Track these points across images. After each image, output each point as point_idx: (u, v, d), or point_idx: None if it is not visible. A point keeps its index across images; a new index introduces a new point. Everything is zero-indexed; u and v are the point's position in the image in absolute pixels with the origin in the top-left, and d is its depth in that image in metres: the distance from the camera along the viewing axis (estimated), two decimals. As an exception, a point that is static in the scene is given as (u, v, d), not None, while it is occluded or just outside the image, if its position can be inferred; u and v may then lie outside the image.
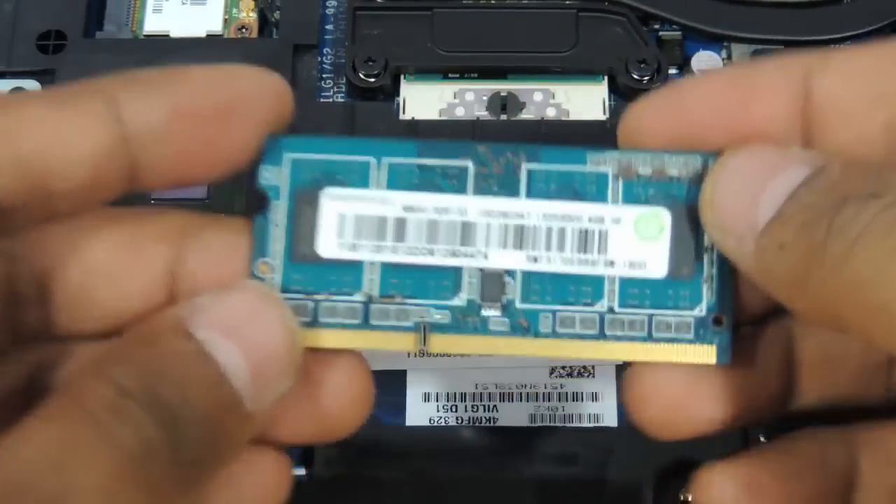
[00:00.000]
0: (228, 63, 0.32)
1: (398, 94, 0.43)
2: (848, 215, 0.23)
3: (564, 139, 0.41)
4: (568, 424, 0.38)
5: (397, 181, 0.28)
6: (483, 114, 0.43)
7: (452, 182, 0.28)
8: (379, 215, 0.27)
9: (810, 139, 0.26)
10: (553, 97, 0.43)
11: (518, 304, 0.28)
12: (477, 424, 0.37)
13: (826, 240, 0.23)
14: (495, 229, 0.28)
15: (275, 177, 0.28)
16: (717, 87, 0.27)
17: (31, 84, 0.43)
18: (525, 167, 0.28)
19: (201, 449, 0.23)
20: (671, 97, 0.27)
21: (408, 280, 0.28)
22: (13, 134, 0.24)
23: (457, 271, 0.28)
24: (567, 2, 0.44)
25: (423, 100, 0.43)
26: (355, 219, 0.28)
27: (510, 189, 0.28)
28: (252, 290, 0.26)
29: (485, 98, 0.43)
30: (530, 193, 0.28)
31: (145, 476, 0.22)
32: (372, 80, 0.43)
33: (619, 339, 0.28)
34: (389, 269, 0.28)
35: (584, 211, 0.27)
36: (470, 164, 0.28)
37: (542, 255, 0.28)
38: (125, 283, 0.27)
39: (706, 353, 0.27)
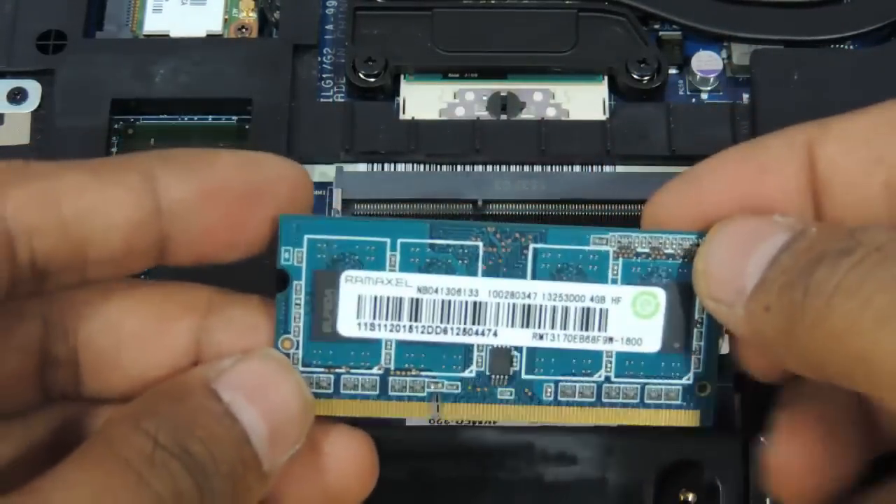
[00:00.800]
0: (230, 66, 0.38)
1: (398, 94, 0.43)
2: (823, 274, 0.24)
3: (564, 139, 0.41)
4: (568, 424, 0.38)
5: (411, 261, 0.29)
6: (483, 114, 0.43)
7: (463, 261, 0.29)
8: (395, 296, 0.29)
9: (819, 205, 0.28)
10: (553, 97, 0.43)
11: (523, 376, 0.30)
12: (477, 424, 0.37)
13: (805, 299, 0.25)
14: (504, 309, 0.29)
15: (294, 257, 0.29)
16: (729, 168, 0.29)
17: (31, 84, 0.43)
18: (532, 247, 0.29)
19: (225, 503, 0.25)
20: (687, 183, 0.29)
21: (422, 354, 0.30)
22: (58, 199, 0.26)
23: (468, 347, 0.30)
24: (567, 2, 0.44)
25: (423, 100, 0.43)
26: (373, 300, 0.29)
27: (518, 269, 0.29)
28: (272, 357, 0.28)
29: (485, 98, 0.43)
30: (536, 274, 0.29)
31: None
32: (372, 80, 0.43)
33: (614, 405, 0.30)
34: (405, 346, 0.30)
35: (586, 291, 0.30)
36: (480, 245, 0.29)
37: (546, 333, 0.30)
38: (153, 351, 0.29)
39: (691, 418, 0.30)
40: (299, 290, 0.29)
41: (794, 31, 0.43)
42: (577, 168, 0.41)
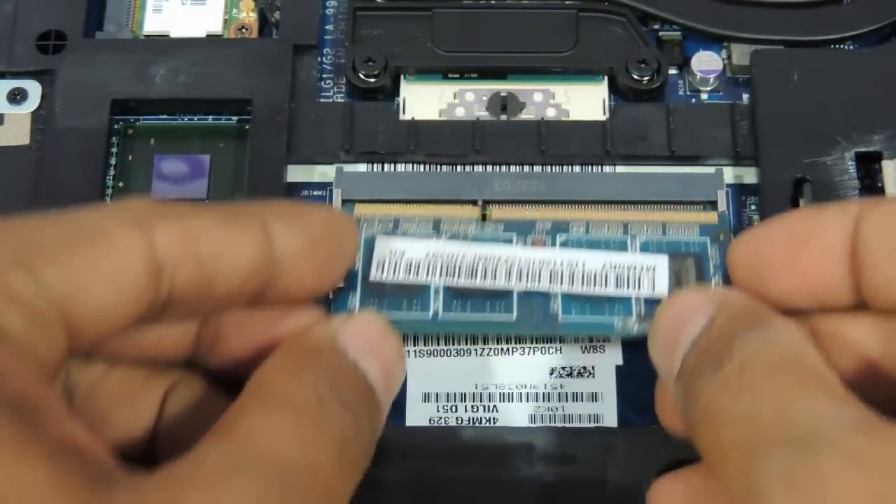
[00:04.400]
0: (230, 66, 0.39)
1: (398, 94, 0.43)
2: (695, 392, 0.28)
3: (564, 139, 0.41)
4: (568, 424, 0.38)
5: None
6: (483, 114, 0.43)
7: None
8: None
9: (858, 276, 0.30)
10: (553, 97, 0.43)
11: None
12: (477, 424, 0.37)
13: (688, 408, 0.29)
14: None
15: None
16: (784, 231, 0.31)
17: (31, 84, 0.43)
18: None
19: (372, 442, 0.30)
20: (749, 236, 0.32)
21: None
22: (198, 237, 0.29)
23: None
24: (567, 2, 0.44)
25: (423, 100, 0.43)
26: None
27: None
28: (376, 318, 0.32)
29: (485, 98, 0.43)
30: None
31: (349, 462, 0.28)
32: (372, 80, 0.43)
33: None
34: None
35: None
36: None
37: None
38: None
39: None
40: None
41: (794, 31, 0.43)
42: (577, 168, 0.41)
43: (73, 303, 0.27)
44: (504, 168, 0.41)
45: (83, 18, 0.44)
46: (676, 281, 0.35)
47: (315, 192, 0.42)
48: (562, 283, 0.36)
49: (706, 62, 0.43)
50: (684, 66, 0.44)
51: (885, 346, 0.30)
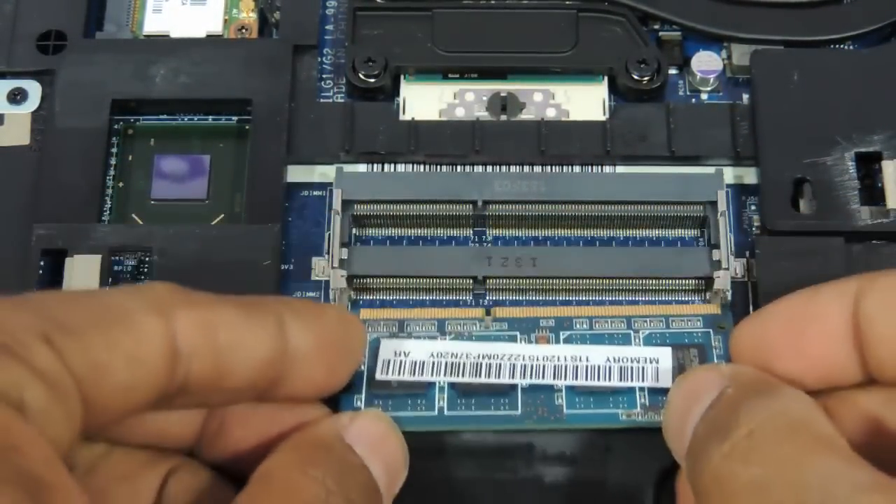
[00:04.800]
0: (230, 66, 0.39)
1: (398, 94, 0.43)
2: (704, 460, 0.28)
3: (564, 139, 0.41)
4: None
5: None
6: (483, 114, 0.43)
7: None
8: None
9: (863, 355, 0.30)
10: (553, 97, 0.43)
11: None
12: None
13: (697, 478, 0.29)
14: None
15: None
16: (785, 314, 0.31)
17: (31, 84, 0.43)
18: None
19: None
20: (755, 324, 0.32)
21: None
22: (216, 328, 0.29)
23: None
24: (567, 2, 0.44)
25: (423, 100, 0.43)
26: None
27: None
28: (383, 417, 0.33)
29: (485, 98, 0.43)
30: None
31: None
32: (372, 80, 0.43)
33: None
34: None
35: None
36: None
37: None
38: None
39: None
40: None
41: (794, 31, 0.43)
42: (577, 168, 0.41)
43: (92, 382, 0.27)
44: (504, 168, 0.41)
45: (83, 18, 0.44)
46: (680, 370, 0.35)
47: (315, 193, 0.42)
48: (566, 377, 0.36)
49: (706, 62, 0.43)
50: (684, 66, 0.44)
51: (891, 415, 0.30)
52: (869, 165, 0.40)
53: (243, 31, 0.45)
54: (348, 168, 0.41)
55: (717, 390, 0.30)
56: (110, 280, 0.39)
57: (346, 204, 0.40)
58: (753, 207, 0.41)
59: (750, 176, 0.41)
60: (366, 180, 0.41)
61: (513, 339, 0.37)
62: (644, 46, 0.43)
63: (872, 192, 0.40)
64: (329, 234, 0.40)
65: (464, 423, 0.36)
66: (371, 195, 0.40)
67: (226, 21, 0.45)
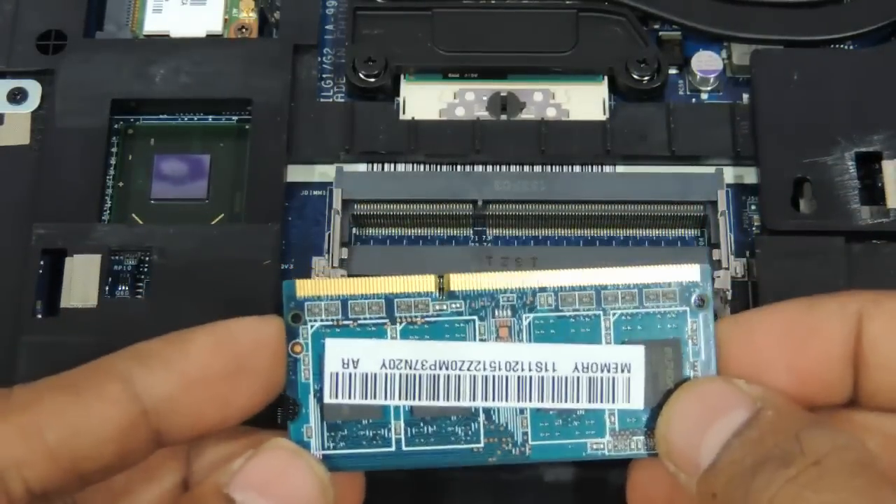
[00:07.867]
0: (230, 66, 0.37)
1: (398, 94, 0.43)
2: (761, 483, 0.27)
3: (564, 139, 0.41)
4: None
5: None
6: (483, 114, 0.43)
7: None
8: None
9: (858, 377, 0.30)
10: (553, 97, 0.43)
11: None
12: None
13: (745, 501, 0.27)
14: None
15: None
16: (781, 323, 0.30)
17: (31, 84, 0.43)
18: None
19: None
20: (739, 326, 0.31)
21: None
22: (40, 428, 0.27)
23: None
24: (567, 2, 0.44)
25: (423, 100, 0.43)
26: None
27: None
28: (281, 447, 0.30)
29: (485, 98, 0.43)
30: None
31: None
32: (372, 80, 0.43)
33: None
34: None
35: None
36: None
37: None
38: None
39: None
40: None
41: (794, 31, 0.43)
42: (577, 168, 0.41)
43: None
44: (504, 168, 0.41)
45: (83, 18, 0.44)
46: (654, 378, 0.32)
47: (315, 192, 0.42)
48: (531, 395, 0.33)
49: (706, 62, 0.43)
50: (684, 66, 0.44)
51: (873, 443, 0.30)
52: (869, 165, 0.40)
53: (243, 30, 0.45)
54: (348, 168, 0.41)
55: (746, 409, 0.29)
56: (110, 280, 0.39)
57: (346, 203, 0.40)
58: (753, 207, 0.41)
59: (750, 176, 0.41)
60: (366, 180, 0.41)
61: (470, 323, 0.33)
62: (644, 46, 0.43)
63: (872, 192, 0.40)
64: (329, 234, 0.40)
65: (423, 459, 0.33)
66: (371, 195, 0.40)
67: (226, 21, 0.45)
